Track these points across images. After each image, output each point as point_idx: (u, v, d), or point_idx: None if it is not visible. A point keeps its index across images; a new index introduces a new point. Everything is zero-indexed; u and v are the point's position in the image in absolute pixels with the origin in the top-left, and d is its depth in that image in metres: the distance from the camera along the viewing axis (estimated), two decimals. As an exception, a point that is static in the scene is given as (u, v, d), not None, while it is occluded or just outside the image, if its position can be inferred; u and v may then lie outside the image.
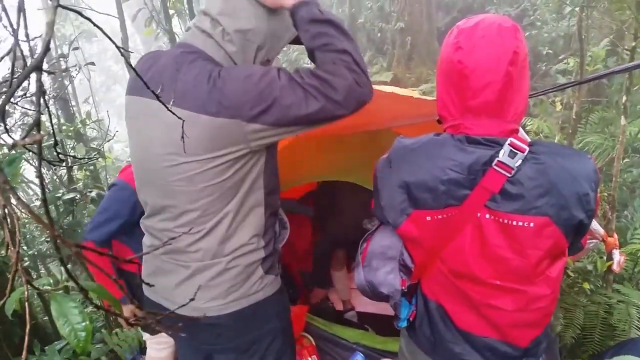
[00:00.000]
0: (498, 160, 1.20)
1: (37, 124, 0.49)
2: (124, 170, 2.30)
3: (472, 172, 1.22)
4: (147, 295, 1.64)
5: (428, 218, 1.28)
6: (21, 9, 0.52)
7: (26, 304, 0.52)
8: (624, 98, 2.76)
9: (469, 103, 1.24)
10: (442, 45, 1.32)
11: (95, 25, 0.82)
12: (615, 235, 2.18)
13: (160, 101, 0.79)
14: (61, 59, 5.62)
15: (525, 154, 1.21)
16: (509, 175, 1.19)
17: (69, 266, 2.84)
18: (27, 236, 4.09)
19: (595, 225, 2.20)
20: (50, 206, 3.32)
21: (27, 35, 0.58)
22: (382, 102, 2.34)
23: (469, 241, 1.26)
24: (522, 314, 1.29)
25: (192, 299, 1.41)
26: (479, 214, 1.23)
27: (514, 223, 1.22)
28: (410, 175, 1.28)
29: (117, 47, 0.58)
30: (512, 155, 1.20)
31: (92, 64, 4.27)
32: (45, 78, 6.11)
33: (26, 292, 0.52)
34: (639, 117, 5.14)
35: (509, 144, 1.21)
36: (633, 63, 1.98)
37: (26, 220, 3.85)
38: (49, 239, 3.29)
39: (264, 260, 1.51)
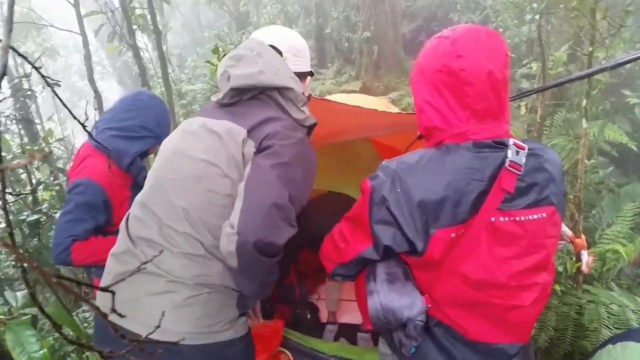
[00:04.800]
0: (510, 160, 1.23)
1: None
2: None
3: (491, 176, 1.24)
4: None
5: (453, 235, 1.25)
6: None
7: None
8: (585, 102, 2.83)
9: (475, 108, 1.25)
10: (429, 58, 1.31)
11: (35, 69, 0.79)
12: (583, 236, 2.22)
13: None
14: (23, 78, 5.49)
15: (526, 150, 1.26)
16: (519, 173, 1.24)
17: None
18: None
19: (563, 227, 2.24)
20: (14, 229, 3.21)
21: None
22: (348, 116, 2.35)
23: (487, 248, 1.25)
24: (535, 305, 1.33)
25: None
26: (492, 219, 1.24)
27: (530, 217, 1.27)
28: (427, 192, 1.23)
29: (44, 77, 0.56)
30: (517, 153, 1.25)
31: (58, 84, 4.18)
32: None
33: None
34: (598, 119, 5.28)
35: (513, 144, 1.26)
36: (592, 69, 2.04)
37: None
38: (15, 263, 3.17)
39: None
